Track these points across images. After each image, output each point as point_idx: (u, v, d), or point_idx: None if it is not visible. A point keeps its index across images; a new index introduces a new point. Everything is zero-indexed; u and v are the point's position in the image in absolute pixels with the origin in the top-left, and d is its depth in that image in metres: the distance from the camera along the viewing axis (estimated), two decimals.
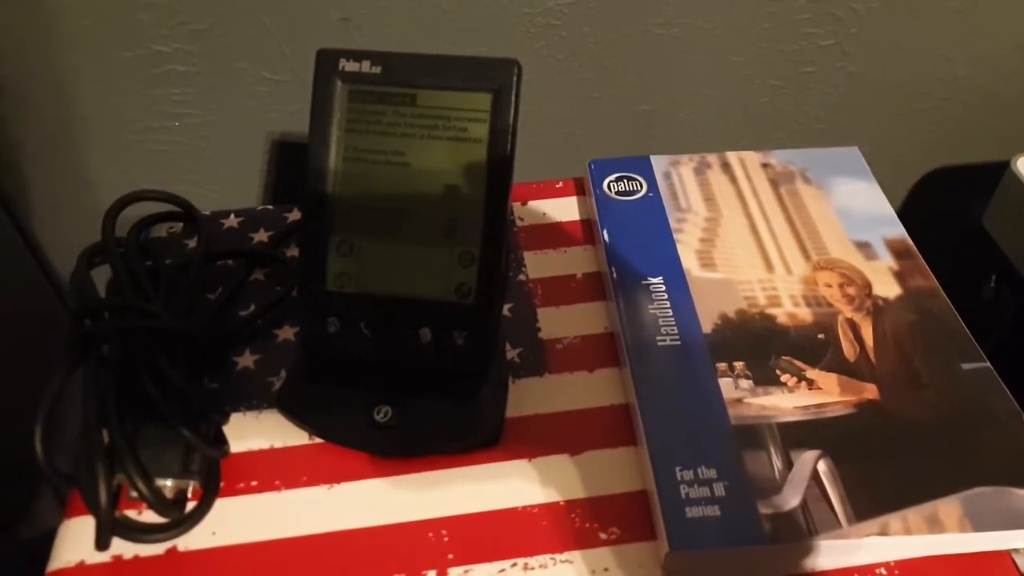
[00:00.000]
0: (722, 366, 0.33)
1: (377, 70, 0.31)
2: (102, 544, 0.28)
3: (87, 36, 0.42)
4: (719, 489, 0.29)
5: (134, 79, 0.44)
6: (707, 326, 0.35)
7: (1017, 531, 0.28)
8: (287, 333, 0.36)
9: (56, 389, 0.29)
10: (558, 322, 0.37)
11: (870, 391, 0.32)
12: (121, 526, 0.29)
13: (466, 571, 0.29)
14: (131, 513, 0.30)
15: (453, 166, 0.31)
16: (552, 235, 0.41)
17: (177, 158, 0.48)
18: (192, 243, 0.39)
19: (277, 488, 0.31)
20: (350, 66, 0.32)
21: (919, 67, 0.52)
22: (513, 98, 0.31)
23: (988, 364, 0.33)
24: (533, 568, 0.29)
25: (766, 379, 0.33)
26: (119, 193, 0.37)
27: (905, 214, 0.59)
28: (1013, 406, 0.32)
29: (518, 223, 0.42)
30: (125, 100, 0.45)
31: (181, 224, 0.40)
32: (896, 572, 0.29)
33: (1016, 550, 0.29)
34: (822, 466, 0.30)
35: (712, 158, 0.43)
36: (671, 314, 0.35)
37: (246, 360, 0.35)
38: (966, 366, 0.33)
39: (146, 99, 0.45)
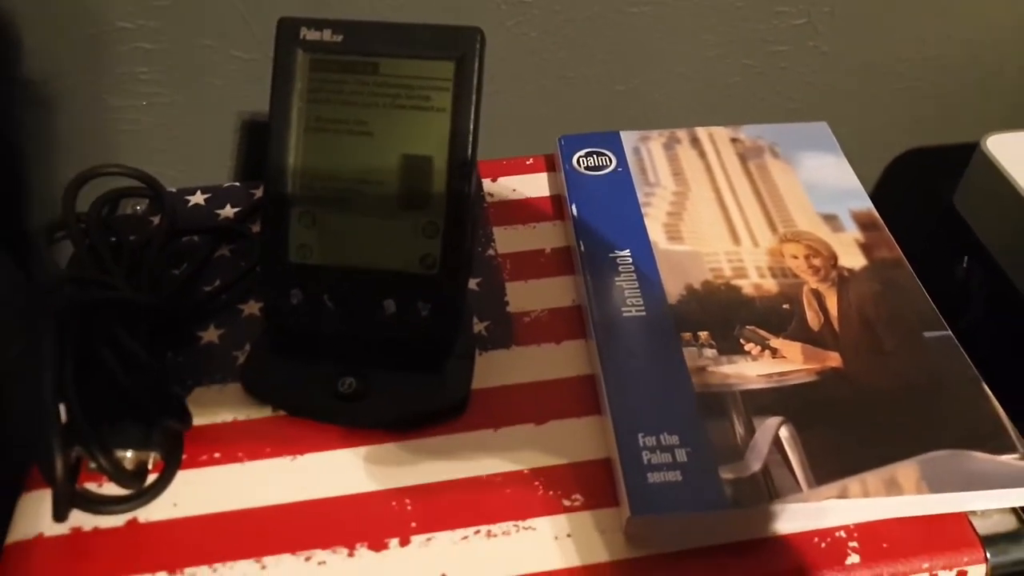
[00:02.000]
0: (687, 336, 0.33)
1: (339, 39, 0.31)
2: (59, 515, 0.28)
3: (50, 12, 0.42)
4: (681, 455, 0.29)
5: (100, 57, 0.44)
6: (673, 297, 0.35)
7: (974, 492, 0.28)
8: (252, 308, 0.36)
9: (14, 361, 0.29)
10: (526, 296, 0.37)
11: (833, 359, 0.32)
12: (80, 498, 0.28)
13: (428, 539, 0.29)
14: (92, 485, 0.30)
15: (416, 135, 0.31)
16: (521, 211, 0.41)
17: (146, 137, 0.47)
18: (157, 220, 0.39)
19: (240, 460, 0.31)
20: (311, 35, 0.31)
21: (891, 47, 0.52)
22: (476, 66, 0.31)
23: (949, 332, 0.33)
24: (496, 535, 0.29)
25: (730, 348, 0.33)
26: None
27: (878, 194, 0.60)
28: (972, 372, 0.32)
29: (488, 199, 0.42)
30: (91, 78, 0.44)
31: (147, 201, 0.40)
32: (856, 534, 0.29)
33: (973, 512, 0.29)
34: (784, 432, 0.30)
35: (681, 133, 0.43)
36: (637, 286, 0.35)
37: (211, 335, 0.35)
38: (928, 334, 0.33)
39: (112, 77, 0.45)
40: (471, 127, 0.31)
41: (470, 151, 0.31)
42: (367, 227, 0.32)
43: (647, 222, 0.38)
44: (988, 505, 0.29)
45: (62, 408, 0.29)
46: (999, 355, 0.43)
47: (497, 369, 0.34)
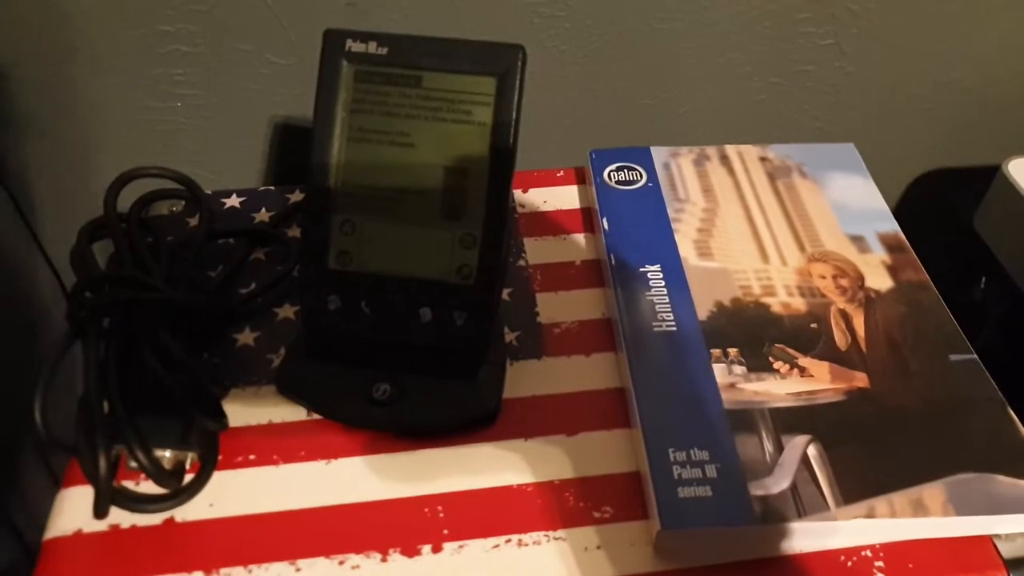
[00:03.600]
0: (716, 352, 0.34)
1: (383, 51, 0.32)
2: (100, 512, 0.28)
3: (92, 14, 0.42)
4: (711, 471, 0.30)
5: (137, 58, 0.44)
6: (702, 313, 0.35)
7: (999, 516, 0.29)
8: (287, 312, 0.36)
9: (55, 361, 0.30)
10: (556, 307, 0.37)
11: (860, 379, 0.33)
12: (119, 495, 0.29)
13: (460, 546, 0.29)
14: (129, 483, 0.30)
15: (457, 148, 0.32)
16: (552, 222, 0.42)
17: (179, 139, 0.48)
18: (193, 221, 0.39)
19: (275, 462, 0.31)
20: (357, 47, 0.32)
21: (915, 68, 0.53)
22: (517, 83, 0.31)
23: (975, 356, 0.34)
24: (527, 544, 0.29)
25: (759, 366, 0.33)
26: (118, 174, 0.37)
27: (899, 214, 0.60)
28: (997, 395, 0.32)
29: (518, 210, 0.42)
30: (128, 79, 0.45)
31: (183, 202, 0.40)
32: (881, 554, 0.29)
33: (998, 535, 0.29)
34: (812, 450, 0.30)
35: (711, 150, 0.43)
36: (667, 301, 0.35)
37: (246, 337, 0.35)
38: (954, 357, 0.34)
39: (149, 79, 0.45)
40: (510, 142, 0.31)
41: (508, 166, 0.32)
42: (406, 236, 0.32)
43: (677, 238, 0.38)
44: (1013, 529, 0.29)
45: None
46: (1015, 376, 0.43)
47: (528, 379, 0.34)
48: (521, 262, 0.39)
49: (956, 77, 0.53)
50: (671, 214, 0.40)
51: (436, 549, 0.29)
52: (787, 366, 0.33)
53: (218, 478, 0.31)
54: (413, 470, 0.31)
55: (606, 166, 0.42)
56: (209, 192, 0.41)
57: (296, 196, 0.42)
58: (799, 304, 0.36)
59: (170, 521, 0.29)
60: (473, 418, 0.32)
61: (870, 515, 0.29)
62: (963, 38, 0.52)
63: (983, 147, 0.57)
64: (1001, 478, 0.30)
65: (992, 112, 0.56)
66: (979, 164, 0.58)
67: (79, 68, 0.44)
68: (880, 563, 0.29)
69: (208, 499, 0.30)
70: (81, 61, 0.44)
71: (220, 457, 0.31)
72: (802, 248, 0.38)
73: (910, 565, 0.29)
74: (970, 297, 0.55)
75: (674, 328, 0.34)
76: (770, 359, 0.33)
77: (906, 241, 0.39)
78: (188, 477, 0.30)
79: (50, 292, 0.46)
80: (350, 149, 0.32)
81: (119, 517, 0.29)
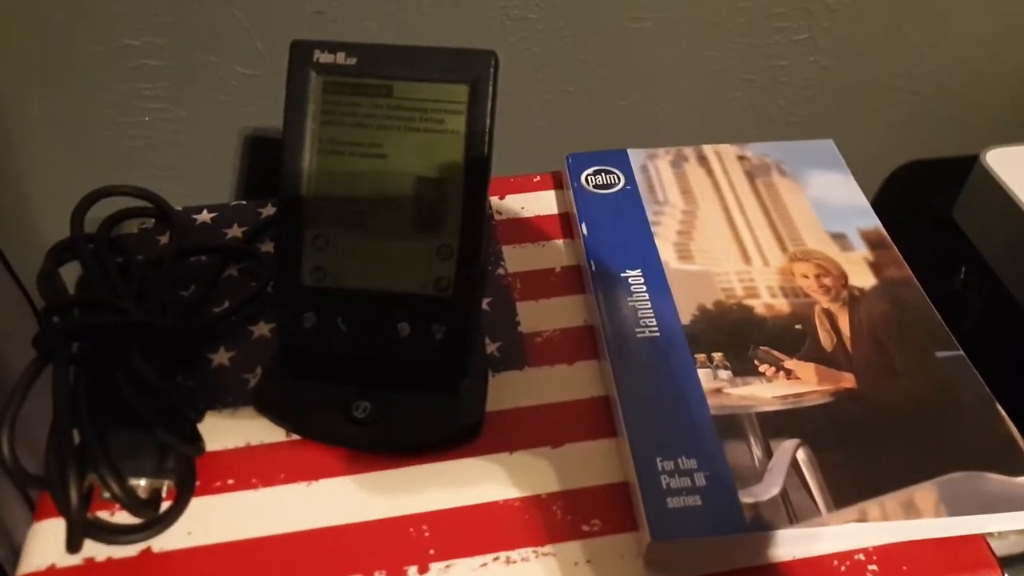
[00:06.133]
0: (701, 357, 0.33)
1: (352, 61, 0.31)
2: (73, 546, 0.27)
3: (57, 28, 0.41)
4: (700, 479, 0.29)
5: (104, 73, 0.43)
6: (685, 318, 0.35)
7: (991, 515, 0.28)
8: (262, 329, 0.36)
9: (23, 388, 0.29)
10: (537, 315, 0.37)
11: (847, 380, 0.33)
12: (93, 527, 0.28)
13: (447, 566, 0.28)
14: (104, 514, 0.29)
15: (430, 158, 0.31)
16: (530, 229, 0.41)
17: (147, 154, 0.47)
18: (164, 239, 0.39)
19: (254, 486, 0.30)
20: (325, 57, 0.31)
21: (890, 61, 0.53)
22: (490, 89, 0.31)
23: (961, 352, 0.34)
24: (515, 561, 0.29)
25: (745, 369, 0.33)
26: (87, 190, 0.36)
27: (878, 207, 0.60)
28: (986, 392, 0.32)
29: (496, 217, 0.41)
30: (94, 95, 0.44)
31: (153, 220, 0.39)
32: (875, 557, 0.29)
33: (990, 533, 0.29)
34: (801, 455, 0.30)
35: (688, 151, 0.43)
36: (649, 306, 0.35)
37: (221, 357, 0.34)
38: (940, 354, 0.34)
39: (116, 94, 0.44)
40: (485, 150, 0.31)
41: (484, 174, 0.31)
42: (381, 250, 0.31)
43: (657, 241, 0.38)
44: (1005, 527, 0.29)
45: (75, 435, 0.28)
46: (996, 366, 0.43)
47: (510, 391, 0.34)
48: (500, 270, 0.38)
49: (930, 68, 0.54)
50: (650, 217, 0.39)
51: (423, 570, 0.28)
52: (773, 369, 0.33)
53: (196, 505, 0.30)
54: (396, 489, 0.30)
55: (583, 170, 0.42)
56: (180, 208, 0.40)
57: (269, 210, 0.41)
58: (783, 305, 0.35)
59: (147, 552, 0.29)
60: (456, 433, 0.32)
61: (862, 519, 0.28)
62: (936, 29, 0.52)
63: (960, 138, 0.57)
64: (992, 476, 0.30)
65: (968, 103, 0.56)
66: (957, 155, 0.58)
67: (44, 84, 0.43)
68: (874, 566, 0.29)
69: (186, 527, 0.29)
70: (46, 77, 0.43)
71: (198, 483, 0.30)
72: (784, 248, 0.38)
73: (904, 567, 0.29)
74: (949, 288, 0.55)
75: (657, 333, 0.34)
76: (755, 362, 0.33)
77: (888, 237, 0.39)
78: (165, 505, 0.29)
79: (19, 314, 0.45)
80: (321, 162, 0.31)
81: (94, 550, 0.28)
